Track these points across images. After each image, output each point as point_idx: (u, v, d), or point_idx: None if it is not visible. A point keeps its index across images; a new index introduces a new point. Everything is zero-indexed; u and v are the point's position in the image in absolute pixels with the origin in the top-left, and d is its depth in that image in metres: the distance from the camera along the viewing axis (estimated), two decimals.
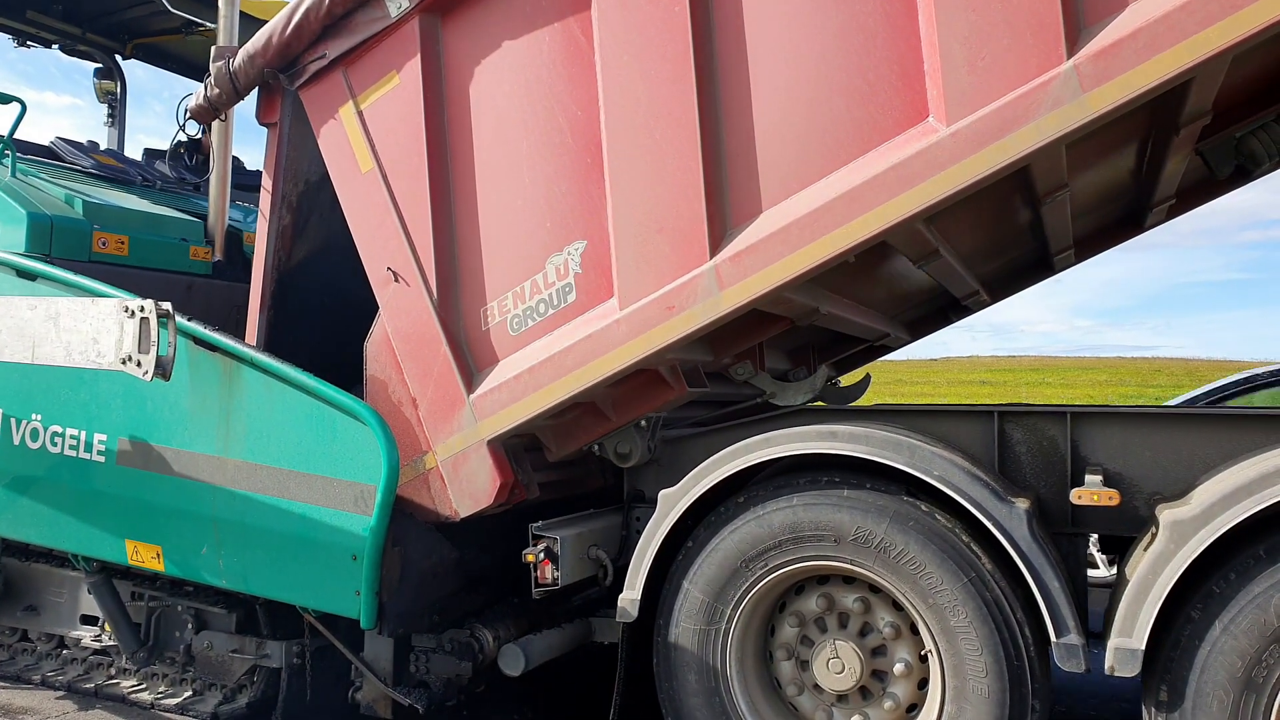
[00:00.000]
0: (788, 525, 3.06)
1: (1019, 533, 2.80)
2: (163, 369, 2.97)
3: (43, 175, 5.22)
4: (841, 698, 3.24)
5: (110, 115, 7.37)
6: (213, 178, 5.46)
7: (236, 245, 5.63)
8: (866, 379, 5.17)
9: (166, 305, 3.03)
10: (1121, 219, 4.86)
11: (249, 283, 5.51)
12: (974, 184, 2.79)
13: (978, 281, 4.59)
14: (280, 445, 3.42)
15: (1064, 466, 3.25)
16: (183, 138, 4.35)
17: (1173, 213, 4.83)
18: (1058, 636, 2.71)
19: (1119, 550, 3.46)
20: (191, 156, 6.41)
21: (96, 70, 7.20)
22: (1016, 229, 4.15)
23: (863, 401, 5.21)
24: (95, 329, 3.06)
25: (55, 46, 6.91)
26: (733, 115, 3.16)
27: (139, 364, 2.97)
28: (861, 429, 3.09)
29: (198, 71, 7.12)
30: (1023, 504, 2.87)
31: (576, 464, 4.03)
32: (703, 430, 3.88)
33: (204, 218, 5.53)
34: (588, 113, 3.39)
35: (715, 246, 3.14)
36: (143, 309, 3.00)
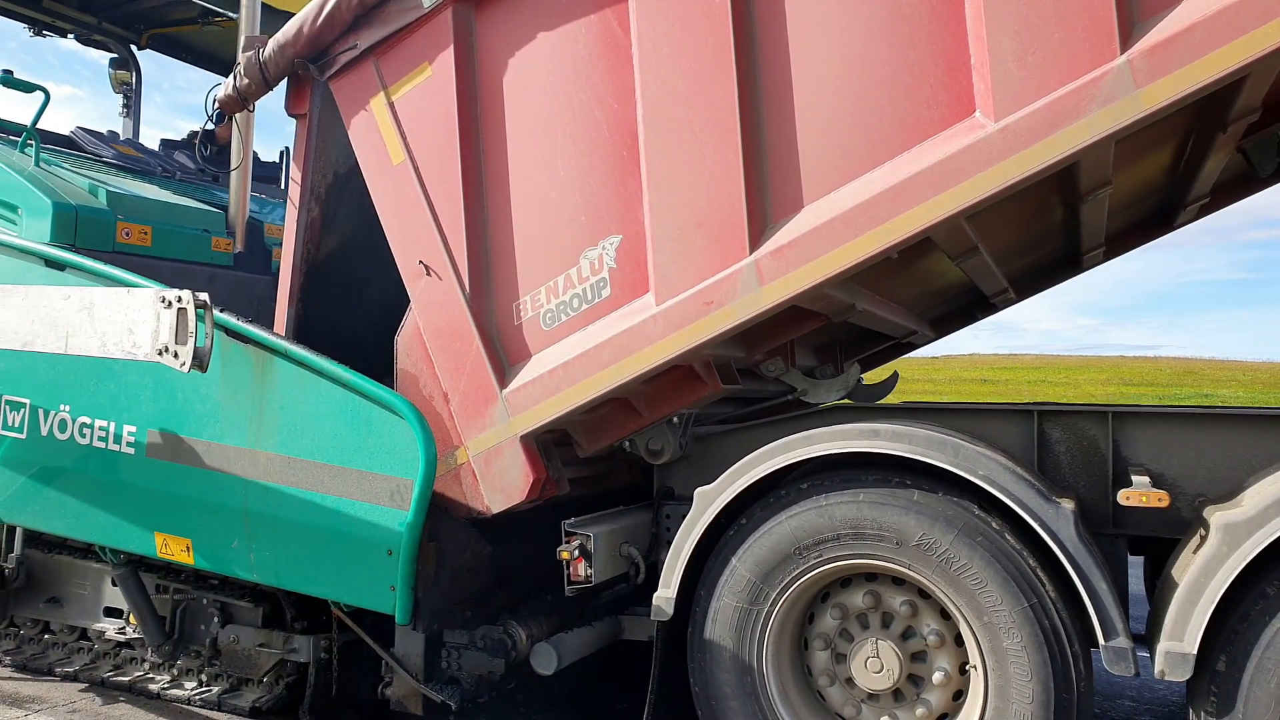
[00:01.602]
0: (850, 520, 3.02)
1: (1065, 534, 2.77)
2: (200, 361, 2.95)
3: (65, 165, 5.20)
4: (873, 696, 3.21)
5: (125, 106, 7.35)
6: (233, 169, 5.44)
7: (257, 237, 5.62)
8: (894, 376, 5.14)
9: (204, 296, 3.01)
10: (1152, 217, 4.82)
11: (269, 275, 5.55)
12: (1022, 181, 2.75)
13: (1006, 279, 4.56)
14: (314, 438, 3.39)
15: (1105, 467, 3.22)
16: (208, 127, 4.30)
17: (1203, 211, 4.79)
18: (1106, 639, 2.68)
19: (1144, 552, 3.45)
20: (206, 147, 6.39)
21: (112, 60, 7.17)
22: (1052, 226, 4.11)
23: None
24: (131, 320, 3.03)
25: (70, 36, 6.88)
26: (774, 108, 3.12)
27: (176, 355, 2.94)
28: (904, 427, 3.06)
29: (213, 62, 7.10)
30: (1068, 504, 2.84)
31: (604, 460, 4.00)
32: (733, 428, 3.86)
33: (224, 209, 5.52)
34: (624, 105, 3.36)
35: (755, 241, 3.10)
36: (180, 300, 2.97)
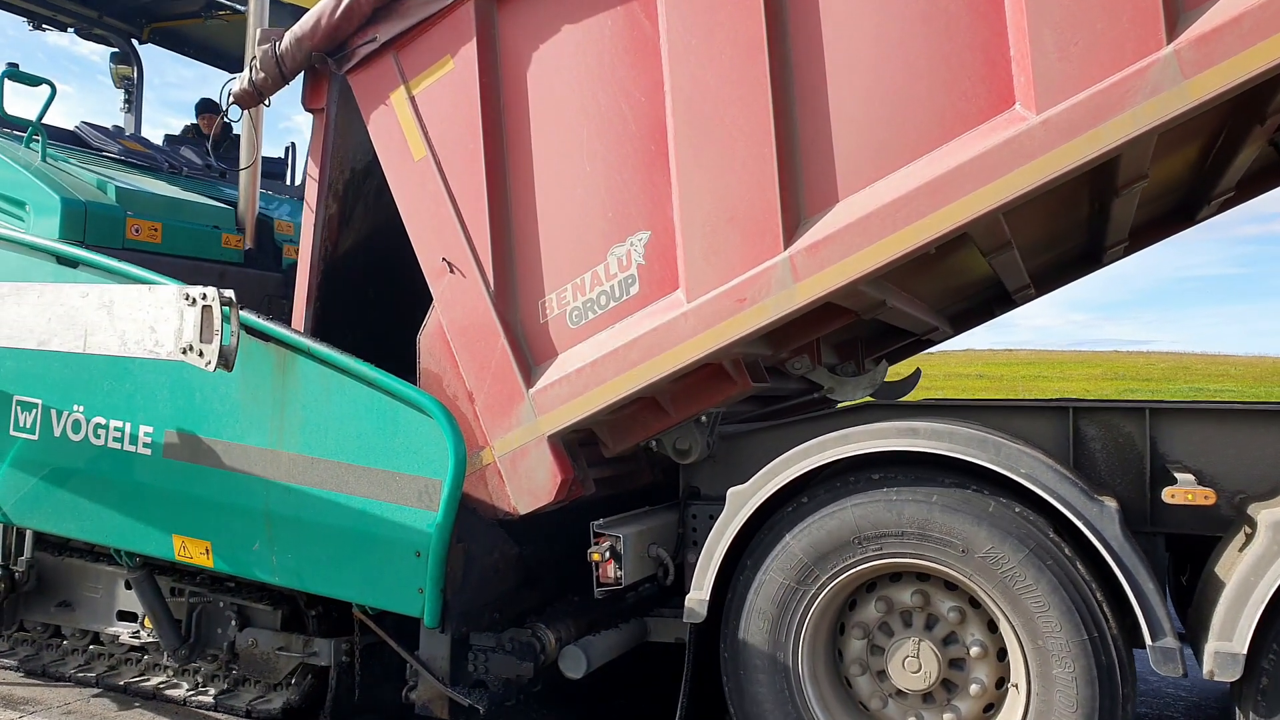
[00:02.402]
0: (919, 520, 2.95)
1: (1110, 532, 2.73)
2: (226, 360, 2.88)
3: (71, 160, 5.12)
4: (902, 693, 3.17)
5: (127, 101, 7.26)
6: (242, 164, 5.37)
7: (267, 233, 5.55)
8: (916, 373, 5.10)
9: (229, 293, 2.94)
10: (1175, 210, 4.79)
11: (280, 272, 5.48)
12: (1065, 175, 2.71)
13: (1029, 274, 4.52)
14: (339, 438, 3.33)
15: (1141, 464, 3.18)
16: (227, 120, 4.23)
17: (1225, 206, 4.76)
18: (1154, 640, 2.64)
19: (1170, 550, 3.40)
20: (219, 144, 6.32)
21: (113, 55, 7.09)
22: (1079, 220, 4.07)
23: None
24: (153, 317, 2.96)
25: (71, 30, 6.80)
26: (807, 100, 3.07)
27: (201, 354, 2.88)
28: (944, 425, 3.01)
29: (216, 57, 7.02)
30: (1111, 502, 2.80)
31: (627, 459, 3.95)
32: (760, 427, 3.81)
33: (232, 205, 5.45)
34: (652, 98, 3.30)
35: (790, 237, 3.05)
36: (205, 296, 2.90)
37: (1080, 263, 5.09)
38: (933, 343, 5.61)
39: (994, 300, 5.35)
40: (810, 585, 3.11)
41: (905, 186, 2.90)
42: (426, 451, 3.20)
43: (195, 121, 6.71)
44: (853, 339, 4.85)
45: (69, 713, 4.24)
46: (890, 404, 3.92)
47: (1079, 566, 2.79)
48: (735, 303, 3.11)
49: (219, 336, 2.86)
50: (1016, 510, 2.87)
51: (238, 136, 6.25)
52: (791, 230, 3.06)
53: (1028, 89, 2.76)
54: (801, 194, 3.08)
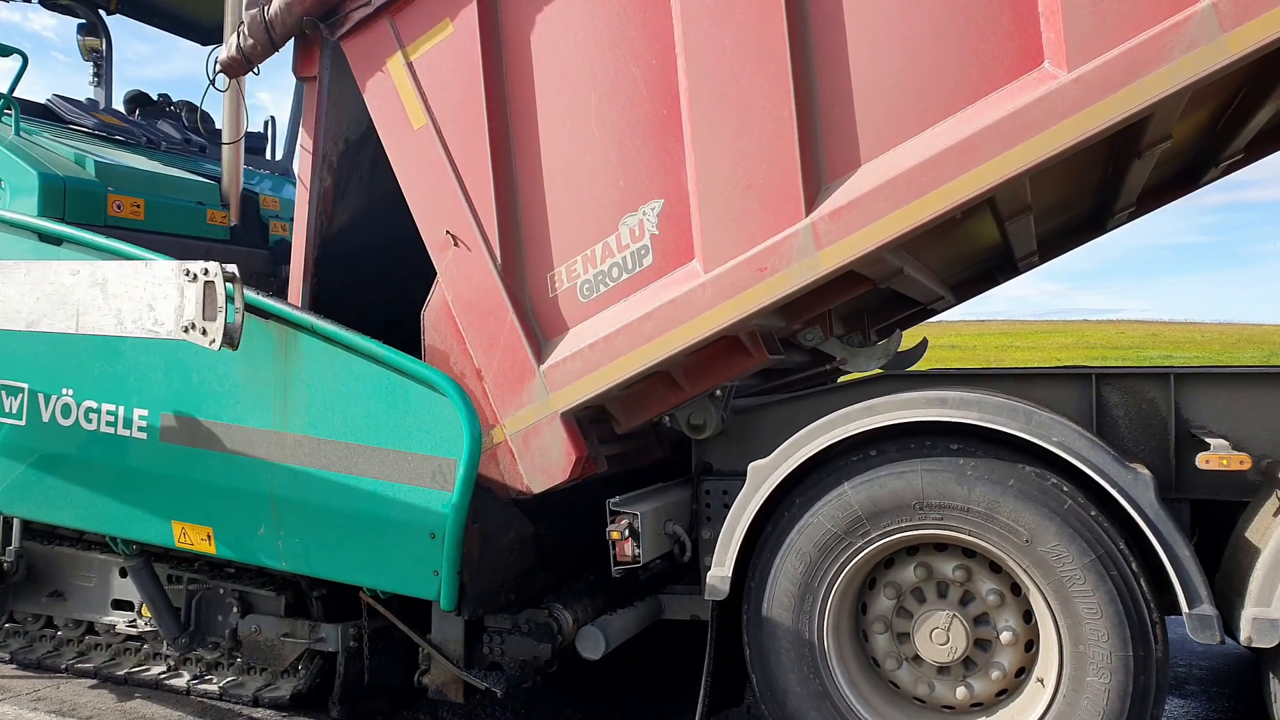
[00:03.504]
0: (990, 501, 2.83)
1: (1145, 500, 2.68)
2: (231, 338, 2.75)
3: (46, 134, 4.92)
4: (918, 659, 3.11)
5: (96, 74, 7.00)
6: (225, 138, 5.19)
7: (253, 209, 5.38)
8: (923, 343, 5.04)
9: (232, 267, 2.81)
10: (1180, 174, 4.74)
11: (267, 249, 5.33)
12: (1097, 134, 2.63)
13: (1038, 240, 4.47)
14: (346, 418, 3.22)
15: (1165, 430, 3.14)
16: (219, 87, 4.05)
17: (1229, 169, 4.72)
18: (1190, 607, 2.61)
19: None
20: (205, 118, 6.12)
21: (80, 26, 6.82)
22: (1094, 183, 4.01)
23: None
24: (150, 295, 2.82)
25: (35, 1, 6.54)
26: (826, 60, 2.97)
27: (204, 332, 2.75)
28: (973, 394, 2.95)
29: (188, 28, 6.79)
30: (1144, 470, 2.75)
31: (636, 436, 3.87)
32: (772, 400, 3.74)
33: (215, 180, 5.27)
34: (663, 60, 3.19)
35: (811, 204, 2.96)
36: (206, 272, 2.77)
37: (1085, 228, 5.04)
38: (935, 312, 5.56)
39: (997, 268, 5.31)
40: (858, 540, 3.01)
41: (931, 149, 2.82)
42: (439, 430, 3.10)
43: (164, 96, 6.48)
44: (859, 309, 4.78)
45: (38, 699, 4.15)
46: (903, 374, 3.85)
47: (1142, 584, 2.72)
48: (756, 272, 3.02)
49: (223, 314, 2.73)
50: (1092, 514, 2.77)
51: (185, 102, 6.08)
52: (813, 196, 2.97)
53: (1058, 46, 2.68)
54: (822, 158, 2.99)
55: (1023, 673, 3.03)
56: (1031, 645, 3.00)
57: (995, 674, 3.02)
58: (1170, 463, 3.10)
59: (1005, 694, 3.05)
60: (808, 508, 3.07)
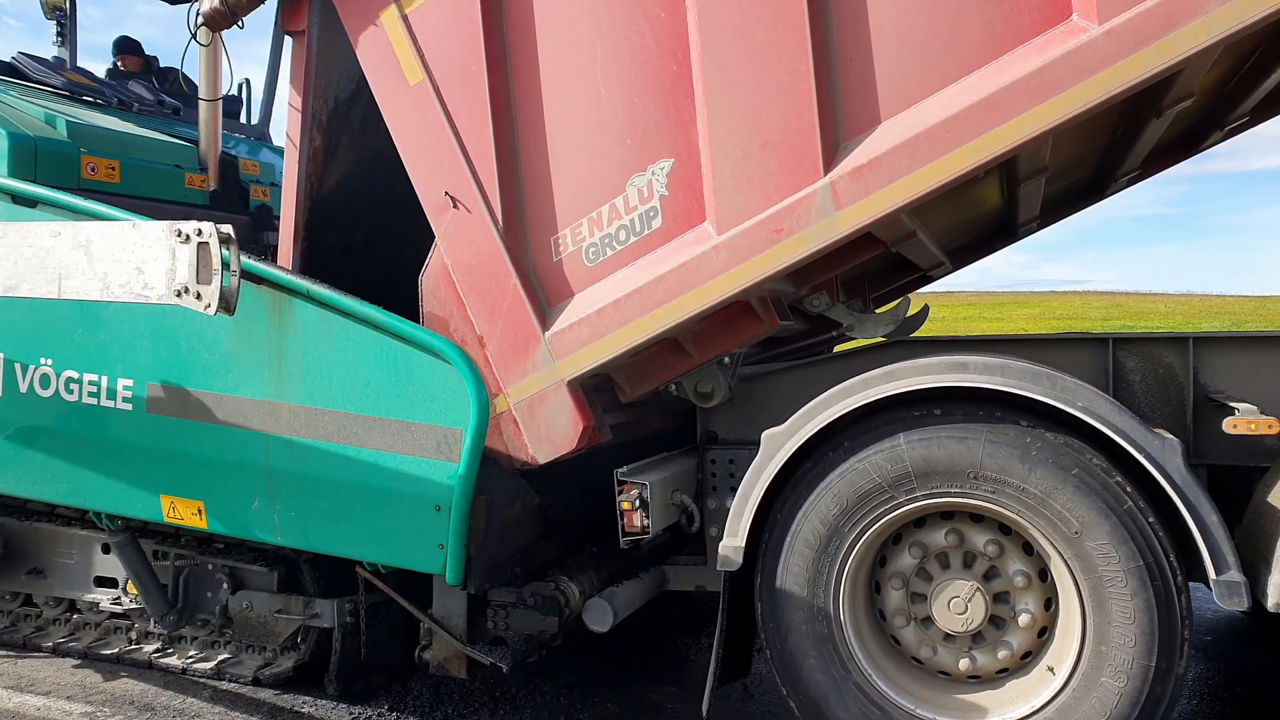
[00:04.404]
0: (1049, 486, 2.74)
1: (1172, 465, 2.63)
2: (227, 302, 2.61)
3: (12, 93, 4.70)
4: (928, 621, 3.06)
5: (60, 34, 6.71)
6: (202, 99, 4.99)
7: (232, 173, 5.20)
8: (925, 310, 4.97)
9: (227, 228, 2.66)
10: (1183, 137, 4.68)
11: (248, 214, 5.14)
12: (1128, 89, 2.56)
13: (1041, 204, 4.40)
14: (345, 387, 3.09)
15: (1183, 395, 3.10)
16: (201, 42, 3.86)
17: (1232, 134, 4.67)
18: (1218, 574, 2.57)
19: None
20: (149, 79, 5.89)
21: None
22: (1106, 144, 3.94)
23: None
24: (139, 257, 2.67)
25: None
26: (845, 13, 2.86)
27: (199, 296, 2.60)
28: (995, 359, 2.88)
29: None
30: (1169, 436, 2.70)
31: (638, 404, 3.78)
32: (779, 367, 3.66)
33: (192, 143, 5.07)
34: (672, 13, 3.06)
35: (829, 162, 2.86)
36: (200, 232, 2.61)
37: (1086, 193, 4.99)
38: (932, 280, 5.49)
39: (995, 234, 5.24)
40: (901, 497, 2.91)
41: (955, 105, 2.72)
42: (443, 399, 2.98)
43: (114, 62, 6.21)
44: (860, 276, 4.70)
45: (18, 680, 4.02)
46: (912, 340, 3.78)
47: (1183, 600, 2.67)
48: (771, 234, 2.92)
49: (218, 277, 2.58)
50: (1150, 520, 2.68)
51: (169, 69, 5.84)
52: (831, 154, 2.87)
53: None
54: (840, 115, 2.89)
55: (1028, 656, 2.99)
56: (1045, 631, 2.95)
57: (1003, 653, 2.98)
58: (1187, 428, 3.06)
59: (1005, 673, 3.02)
60: (853, 454, 2.95)
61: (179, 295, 2.62)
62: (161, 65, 6.09)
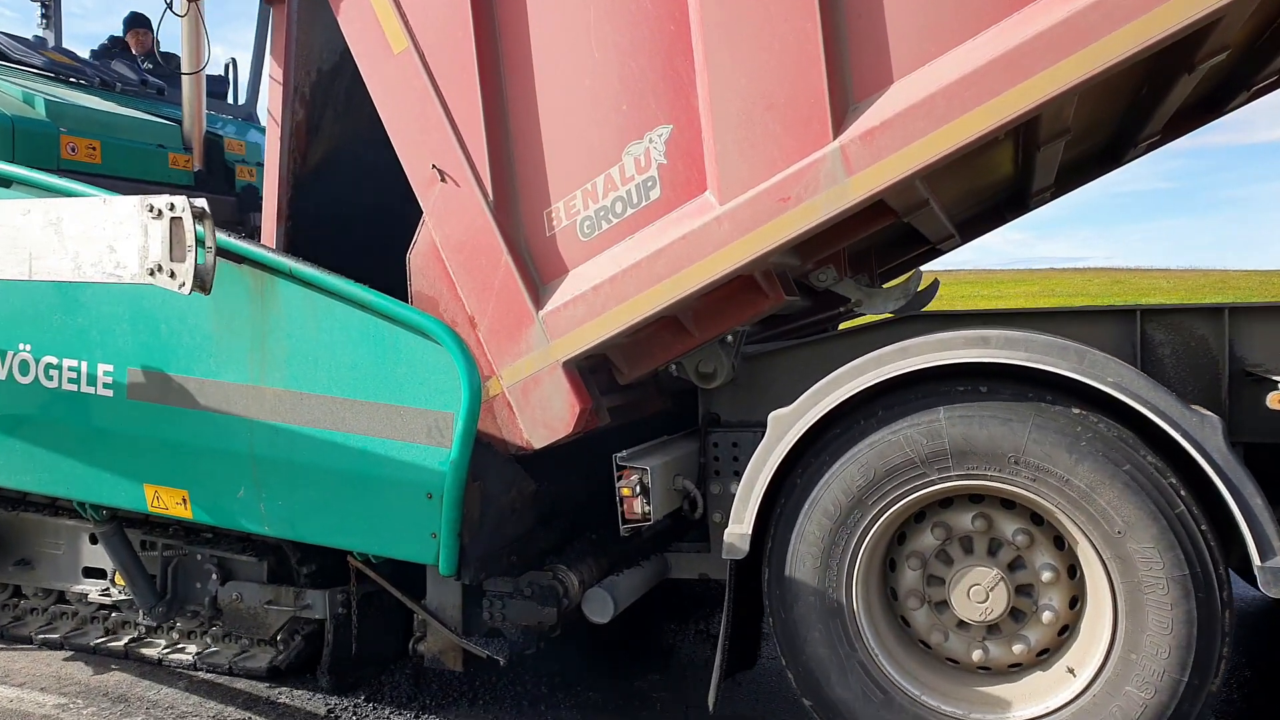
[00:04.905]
0: (1094, 480, 2.56)
1: (1213, 444, 2.46)
2: (202, 280, 2.46)
3: None
4: (943, 606, 2.91)
5: (44, 14, 6.55)
6: (185, 80, 4.84)
7: (217, 153, 5.05)
8: (935, 284, 4.80)
9: (201, 202, 2.50)
10: (1204, 100, 4.48)
11: (234, 195, 5.00)
12: (1166, 38, 2.38)
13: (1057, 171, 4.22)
14: (330, 370, 2.94)
15: (1217, 369, 2.94)
16: (177, 11, 3.70)
17: (1254, 96, 4.47)
18: (1263, 560, 2.40)
19: None
20: (133, 60, 5.72)
21: None
22: (1128, 105, 3.75)
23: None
24: (111, 235, 2.52)
25: None
26: None
27: (173, 274, 2.45)
28: (1017, 333, 2.72)
29: None
30: (1210, 413, 2.53)
31: (637, 386, 3.63)
32: (783, 346, 3.50)
33: (176, 123, 4.92)
34: None
35: (839, 125, 2.70)
36: (172, 207, 2.46)
37: (1102, 159, 4.80)
38: (941, 253, 5.31)
39: (1005, 205, 5.06)
40: (933, 474, 2.74)
41: (973, 62, 2.55)
42: (434, 381, 2.83)
43: (119, 37, 6.05)
44: (867, 249, 4.54)
45: (6, 675, 3.91)
46: (925, 315, 3.61)
47: (1227, 617, 2.50)
48: (778, 203, 2.76)
49: (192, 253, 2.43)
50: (1202, 528, 2.51)
51: (170, 55, 5.67)
52: (840, 117, 2.70)
53: None
54: (849, 75, 2.72)
55: (1044, 653, 2.84)
56: (1065, 630, 2.81)
57: (1018, 647, 2.83)
58: (1222, 403, 2.90)
59: (1017, 668, 2.87)
60: (887, 424, 2.77)
61: (152, 274, 2.47)
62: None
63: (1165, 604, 2.52)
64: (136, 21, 5.91)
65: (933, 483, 2.73)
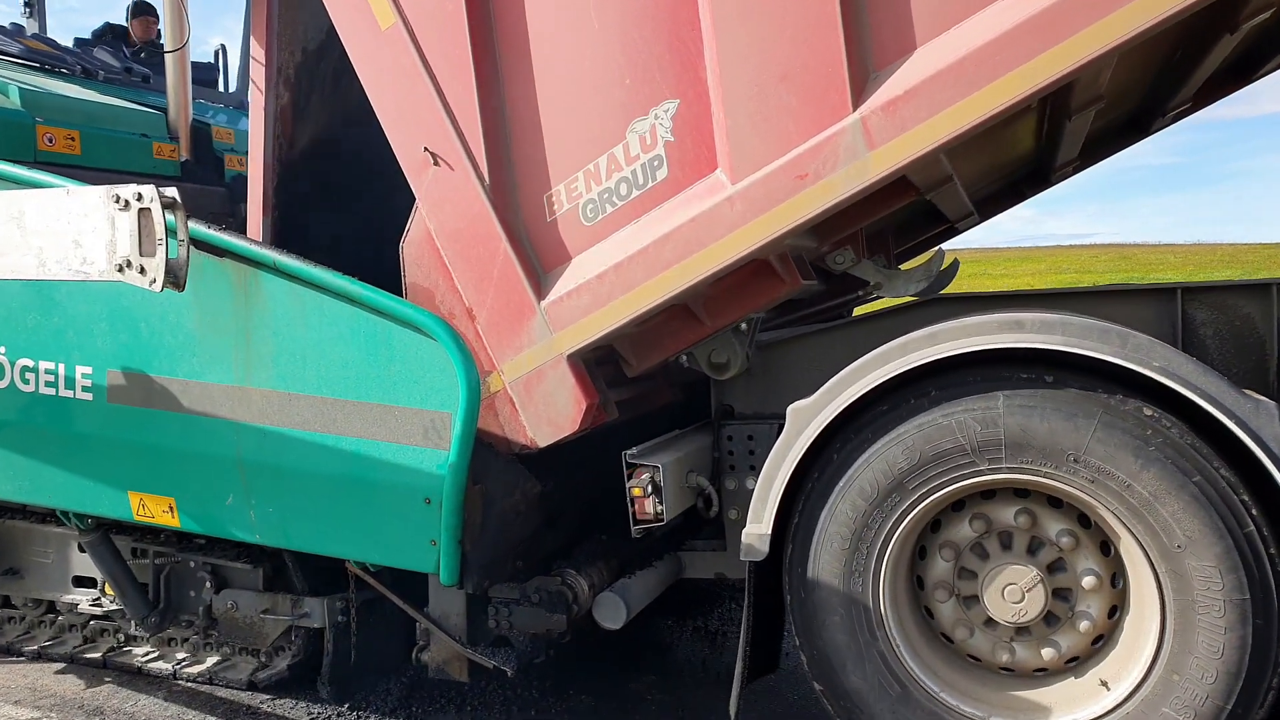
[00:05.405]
0: (1159, 489, 2.38)
1: (1269, 432, 2.28)
2: (175, 276, 2.28)
3: None
4: (972, 601, 2.75)
5: (28, 3, 6.35)
6: (168, 62, 4.64)
7: (206, 142, 4.86)
8: (955, 264, 4.61)
9: (171, 191, 2.32)
10: (1233, 67, 4.27)
11: (224, 186, 4.81)
12: None
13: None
14: (319, 369, 2.77)
15: (1263, 350, 2.76)
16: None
17: None
18: None
19: None
20: (118, 47, 5.53)
21: None
22: (1161, 69, 3.55)
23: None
24: (76, 229, 2.34)
25: None
26: None
27: (143, 270, 2.27)
28: (1054, 315, 2.53)
29: None
30: (1266, 399, 2.35)
31: (646, 378, 3.45)
32: (798, 333, 3.32)
33: (162, 111, 4.74)
34: None
35: (859, 95, 2.51)
36: (140, 197, 2.28)
37: (1127, 130, 4.59)
38: (959, 232, 5.13)
39: (1026, 180, 4.86)
40: (984, 464, 2.55)
41: (1002, 24, 2.36)
42: (430, 379, 2.66)
43: (116, 24, 5.85)
44: (884, 230, 4.34)
45: None
46: (947, 297, 3.42)
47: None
48: (795, 180, 2.58)
49: (163, 247, 2.26)
50: (1270, 551, 2.33)
51: (162, 45, 5.49)
52: (860, 87, 2.51)
53: None
54: (869, 42, 2.53)
55: (1074, 661, 2.67)
56: (1099, 640, 2.63)
57: (1048, 652, 2.66)
58: (1271, 387, 2.72)
59: (1043, 673, 2.71)
60: (939, 406, 2.59)
61: (121, 270, 2.29)
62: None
63: (1219, 627, 2.34)
64: (142, 9, 5.72)
65: (981, 473, 2.54)
